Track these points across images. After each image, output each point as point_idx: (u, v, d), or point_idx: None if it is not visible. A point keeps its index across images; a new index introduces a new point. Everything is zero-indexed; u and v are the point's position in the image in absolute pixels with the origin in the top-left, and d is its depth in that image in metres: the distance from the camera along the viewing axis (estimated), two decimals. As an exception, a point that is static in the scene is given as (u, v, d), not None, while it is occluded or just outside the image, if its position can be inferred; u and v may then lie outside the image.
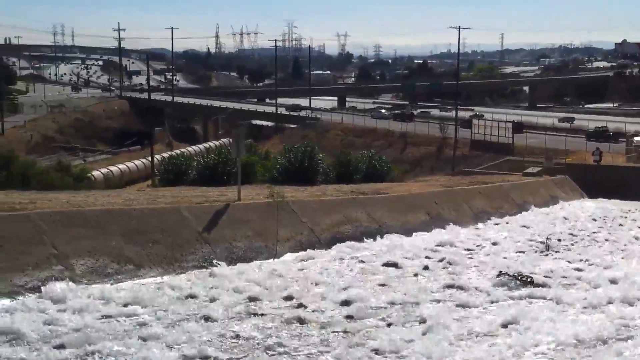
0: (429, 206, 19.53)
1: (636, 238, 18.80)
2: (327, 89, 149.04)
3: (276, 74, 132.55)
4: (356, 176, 24.73)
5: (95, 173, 51.07)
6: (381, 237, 16.01)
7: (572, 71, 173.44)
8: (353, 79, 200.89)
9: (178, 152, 45.87)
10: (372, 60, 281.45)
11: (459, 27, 70.00)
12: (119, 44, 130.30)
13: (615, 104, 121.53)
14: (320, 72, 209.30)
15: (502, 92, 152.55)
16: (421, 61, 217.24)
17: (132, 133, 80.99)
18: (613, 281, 12.53)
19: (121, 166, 59.69)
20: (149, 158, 57.37)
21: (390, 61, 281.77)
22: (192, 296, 10.60)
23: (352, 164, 25.43)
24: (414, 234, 16.97)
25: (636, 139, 47.92)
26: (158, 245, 12.27)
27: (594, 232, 19.70)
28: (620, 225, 21.67)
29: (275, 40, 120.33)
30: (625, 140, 54.78)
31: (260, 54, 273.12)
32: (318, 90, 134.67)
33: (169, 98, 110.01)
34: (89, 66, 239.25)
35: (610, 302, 11.06)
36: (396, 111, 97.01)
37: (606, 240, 18.42)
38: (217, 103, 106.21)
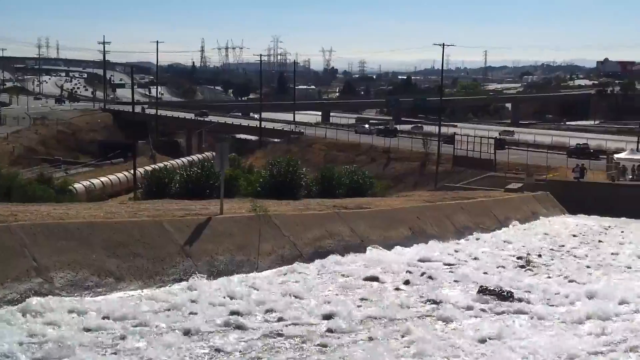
0: (412, 221, 19.62)
1: (615, 254, 19.00)
2: (312, 103, 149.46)
3: (261, 88, 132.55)
4: (339, 191, 24.78)
5: (78, 186, 50.75)
6: (363, 252, 16.06)
7: (554, 89, 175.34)
8: (337, 94, 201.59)
9: (161, 165, 45.75)
10: (357, 76, 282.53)
11: (443, 44, 70.35)
12: (104, 56, 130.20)
13: (597, 122, 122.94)
14: (305, 87, 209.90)
15: (486, 108, 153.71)
16: (405, 77, 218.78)
17: (116, 146, 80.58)
18: (592, 297, 12.65)
19: (103, 179, 59.28)
20: (132, 171, 57.07)
21: (374, 77, 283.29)
22: (173, 309, 10.57)
23: (335, 178, 25.48)
24: (395, 248, 17.02)
25: (617, 156, 48.33)
26: (139, 258, 12.22)
27: (574, 248, 19.91)
28: (600, 241, 21.90)
29: (261, 55, 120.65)
30: (606, 157, 55.28)
31: (246, 69, 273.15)
32: (302, 105, 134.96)
33: (152, 111, 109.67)
34: (73, 78, 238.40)
35: (589, 318, 11.17)
36: (380, 126, 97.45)
37: (586, 255, 18.62)
38: (201, 117, 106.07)
